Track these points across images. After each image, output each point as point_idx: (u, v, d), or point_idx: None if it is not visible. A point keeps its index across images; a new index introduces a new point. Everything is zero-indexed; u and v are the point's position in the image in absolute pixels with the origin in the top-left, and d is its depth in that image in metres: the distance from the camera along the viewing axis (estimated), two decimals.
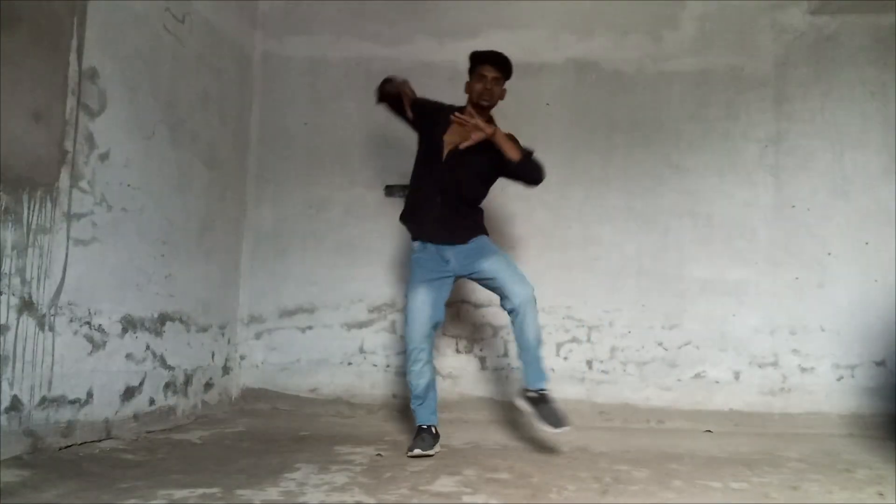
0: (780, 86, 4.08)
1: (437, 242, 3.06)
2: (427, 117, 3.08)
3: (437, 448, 2.94)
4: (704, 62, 4.14)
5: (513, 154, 2.95)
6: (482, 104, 3.04)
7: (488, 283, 3.06)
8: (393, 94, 3.08)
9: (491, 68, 3.04)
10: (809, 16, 4.09)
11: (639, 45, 4.18)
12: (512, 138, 3.03)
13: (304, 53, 4.34)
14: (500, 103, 3.12)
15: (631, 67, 4.18)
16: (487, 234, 3.16)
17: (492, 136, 2.93)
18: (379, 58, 4.29)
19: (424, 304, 3.00)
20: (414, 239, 3.13)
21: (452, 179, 3.04)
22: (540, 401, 2.98)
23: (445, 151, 3.04)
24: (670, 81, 4.14)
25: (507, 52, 3.06)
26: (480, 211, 3.19)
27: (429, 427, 3.00)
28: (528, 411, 3.01)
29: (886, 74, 4.01)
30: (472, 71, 3.09)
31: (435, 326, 3.05)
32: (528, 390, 3.02)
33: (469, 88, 3.09)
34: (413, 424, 3.08)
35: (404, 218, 3.18)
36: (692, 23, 4.17)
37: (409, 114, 3.05)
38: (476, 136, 2.93)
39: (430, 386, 3.05)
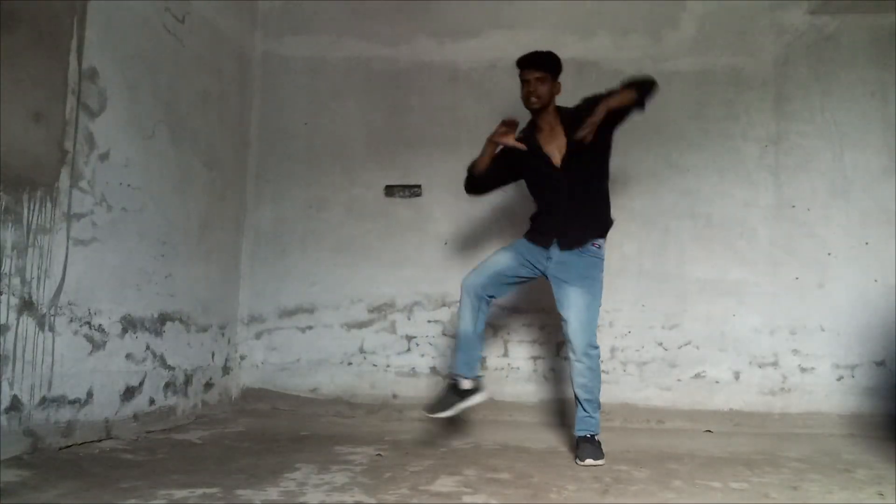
0: (780, 86, 4.08)
1: (561, 248, 2.98)
2: (513, 150, 3.00)
3: (461, 404, 2.93)
4: (704, 62, 4.13)
5: (630, 99, 2.86)
6: (532, 108, 2.99)
7: (558, 303, 2.99)
8: (483, 163, 3.02)
9: (529, 70, 2.99)
10: (809, 16, 4.09)
11: (639, 45, 4.18)
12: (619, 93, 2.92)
13: (304, 53, 4.34)
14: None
15: (631, 67, 4.15)
16: (606, 231, 3.06)
17: (610, 109, 2.83)
18: (379, 58, 4.30)
19: (498, 266, 2.97)
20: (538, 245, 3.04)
21: (574, 180, 2.96)
22: (581, 441, 2.93)
23: (557, 157, 2.98)
24: (670, 81, 4.13)
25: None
26: (605, 204, 3.07)
27: (459, 380, 2.96)
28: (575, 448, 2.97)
29: (886, 74, 4.00)
30: (520, 78, 3.03)
31: (490, 294, 2.98)
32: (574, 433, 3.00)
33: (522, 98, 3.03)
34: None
35: (534, 238, 3.06)
36: (692, 23, 4.17)
37: (499, 150, 3.00)
38: (594, 120, 2.80)
39: (470, 337, 2.96)
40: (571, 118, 2.96)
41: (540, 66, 2.99)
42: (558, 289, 2.98)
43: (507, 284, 3.04)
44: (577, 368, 2.93)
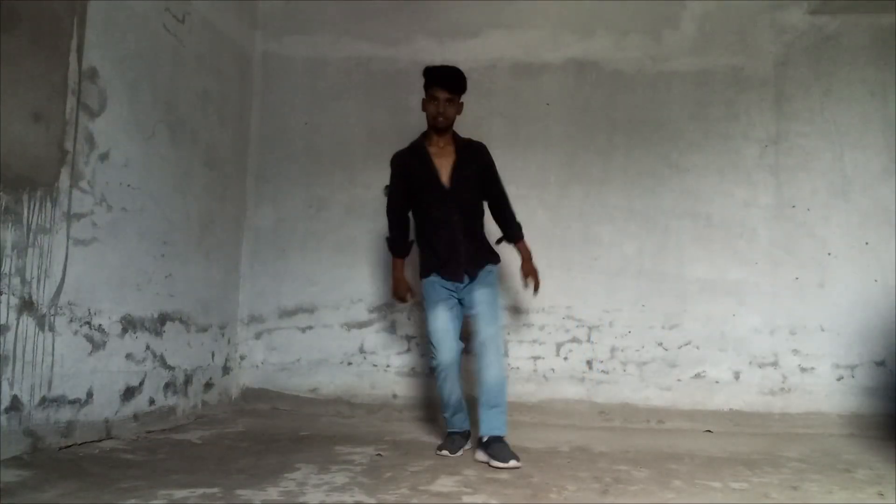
0: (780, 86, 4.08)
1: (469, 276, 2.99)
2: (405, 178, 3.06)
3: (465, 447, 3.01)
4: (704, 62, 4.14)
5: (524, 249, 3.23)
6: (439, 127, 3.00)
7: (469, 310, 3.00)
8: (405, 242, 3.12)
9: (442, 90, 2.98)
10: (809, 16, 4.09)
11: (639, 45, 4.18)
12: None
13: (304, 53, 4.35)
14: (461, 115, 3.11)
15: (631, 67, 4.18)
16: (499, 260, 3.17)
17: (530, 259, 3.21)
18: (379, 58, 4.30)
19: (449, 323, 2.96)
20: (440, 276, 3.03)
21: (463, 201, 3.02)
22: (495, 441, 2.80)
23: (445, 176, 3.00)
24: (670, 81, 4.14)
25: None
26: (487, 241, 3.16)
27: (463, 431, 3.06)
28: (483, 459, 2.78)
29: (886, 74, 4.00)
30: (426, 88, 3.02)
31: (461, 344, 3.01)
32: (483, 437, 2.84)
33: (424, 108, 3.03)
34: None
35: (434, 269, 3.01)
36: (692, 23, 4.17)
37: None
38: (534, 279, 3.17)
39: (461, 398, 3.05)
40: (465, 147, 3.05)
41: (453, 89, 3.01)
42: (468, 296, 2.99)
43: (460, 323, 3.04)
44: (491, 353, 2.89)
